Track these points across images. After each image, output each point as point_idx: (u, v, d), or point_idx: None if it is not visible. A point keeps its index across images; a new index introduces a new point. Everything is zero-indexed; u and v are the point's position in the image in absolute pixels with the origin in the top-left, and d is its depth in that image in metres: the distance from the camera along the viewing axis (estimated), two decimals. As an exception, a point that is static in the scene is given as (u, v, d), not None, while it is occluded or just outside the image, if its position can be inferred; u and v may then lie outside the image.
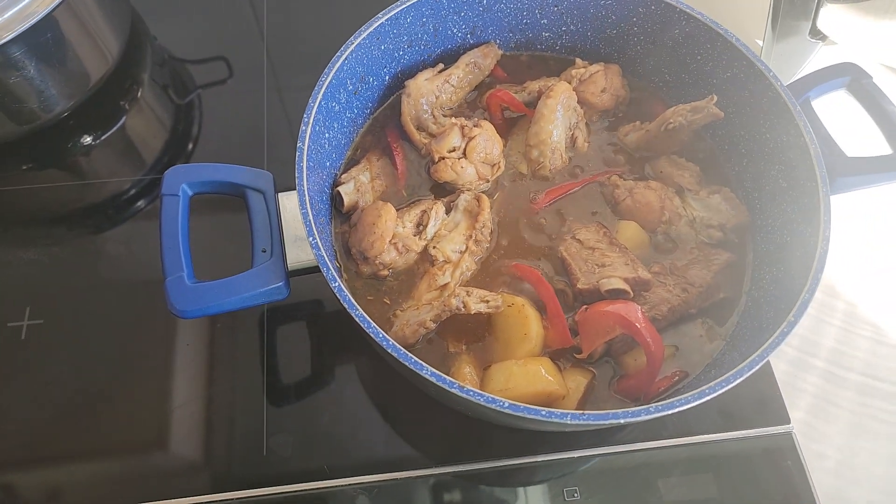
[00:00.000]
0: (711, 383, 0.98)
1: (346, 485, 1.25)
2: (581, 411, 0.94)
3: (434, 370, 0.95)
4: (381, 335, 0.97)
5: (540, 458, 1.28)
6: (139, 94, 1.77)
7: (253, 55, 1.81)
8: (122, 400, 1.32)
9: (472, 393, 0.94)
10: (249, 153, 1.63)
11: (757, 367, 1.00)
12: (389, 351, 0.96)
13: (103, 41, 1.64)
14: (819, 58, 1.68)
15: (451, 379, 0.95)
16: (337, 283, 1.01)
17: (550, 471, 1.28)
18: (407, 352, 0.96)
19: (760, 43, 1.73)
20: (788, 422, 1.34)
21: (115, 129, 1.72)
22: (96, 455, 1.27)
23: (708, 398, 0.97)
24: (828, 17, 1.58)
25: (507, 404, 0.94)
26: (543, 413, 0.94)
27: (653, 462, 1.30)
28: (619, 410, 0.95)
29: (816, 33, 1.61)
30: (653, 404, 0.96)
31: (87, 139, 1.70)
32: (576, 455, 1.29)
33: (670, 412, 0.96)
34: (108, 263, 1.48)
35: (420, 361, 0.96)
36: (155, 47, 1.84)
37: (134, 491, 1.24)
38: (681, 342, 1.22)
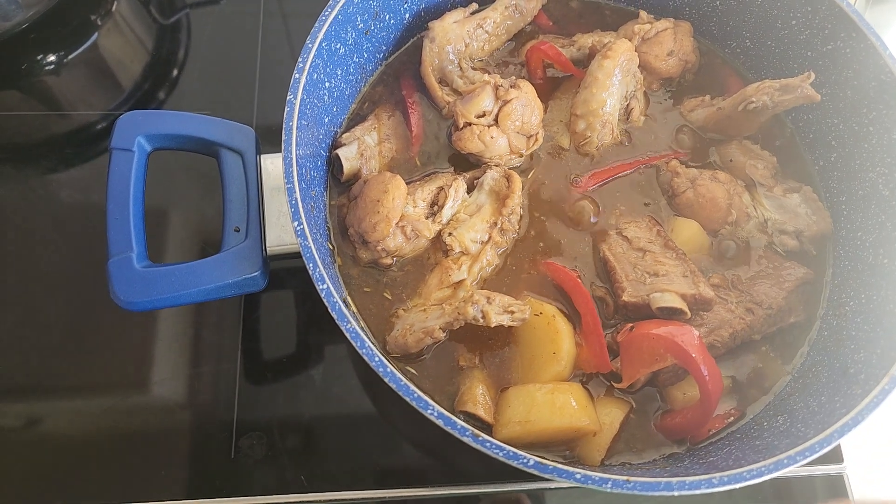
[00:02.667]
0: (790, 451, 0.78)
1: (326, 500, 1.06)
2: (626, 478, 0.74)
3: (442, 410, 0.75)
4: (376, 359, 0.76)
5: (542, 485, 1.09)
6: (114, 7, 1.50)
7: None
8: (59, 387, 1.12)
9: (489, 445, 0.74)
10: (239, 94, 1.38)
11: (847, 434, 0.79)
12: (386, 380, 0.75)
13: (69, -62, 1.38)
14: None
15: (462, 424, 0.75)
16: (325, 286, 0.78)
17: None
18: (408, 383, 0.76)
19: (852, 3, 1.47)
20: (841, 461, 1.14)
21: (84, 47, 1.48)
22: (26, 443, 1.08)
23: (785, 470, 0.77)
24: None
25: (531, 462, 0.74)
26: (578, 477, 0.74)
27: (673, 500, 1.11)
28: (674, 480, 0.74)
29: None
30: (716, 475, 0.75)
31: (51, 58, 1.46)
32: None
33: (739, 486, 0.75)
34: (60, 214, 1.24)
35: (424, 397, 0.75)
36: (135, -47, 1.56)
37: (79, 490, 1.05)
38: (739, 373, 1.01)
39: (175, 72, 1.46)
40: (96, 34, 1.47)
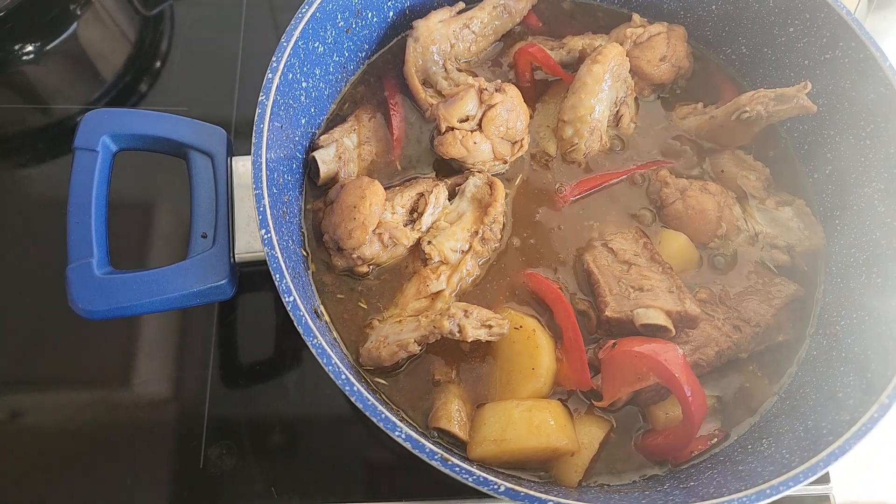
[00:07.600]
0: (773, 481, 0.75)
1: (295, 512, 1.03)
2: (600, 507, 0.71)
3: (410, 432, 0.71)
4: (343, 377, 0.73)
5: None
6: (94, -4, 1.46)
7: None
8: (25, 388, 1.08)
9: (458, 469, 0.71)
10: (221, 88, 1.34)
11: (834, 464, 0.76)
12: (353, 399, 0.72)
13: (47, -76, 1.34)
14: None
15: (430, 447, 0.71)
16: (292, 298, 0.75)
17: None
18: (376, 403, 0.72)
19: (852, 10, 1.44)
20: (828, 481, 1.11)
21: (63, 37, 1.43)
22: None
23: (769, 501, 0.74)
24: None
25: (502, 488, 0.70)
26: (550, 505, 0.70)
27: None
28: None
29: (922, 9, 1.32)
30: (697, 506, 0.72)
31: (29, 48, 1.42)
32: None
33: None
34: (28, 209, 1.20)
35: (392, 418, 0.72)
36: (117, -59, 1.51)
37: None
38: (724, 392, 0.98)
39: (158, 64, 1.42)
40: (76, 24, 1.43)
